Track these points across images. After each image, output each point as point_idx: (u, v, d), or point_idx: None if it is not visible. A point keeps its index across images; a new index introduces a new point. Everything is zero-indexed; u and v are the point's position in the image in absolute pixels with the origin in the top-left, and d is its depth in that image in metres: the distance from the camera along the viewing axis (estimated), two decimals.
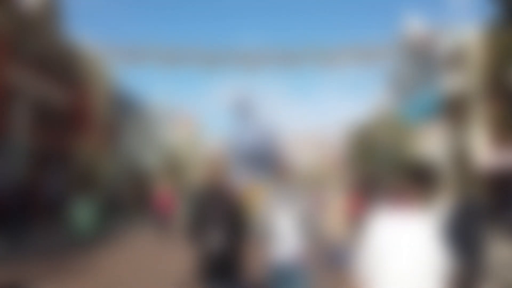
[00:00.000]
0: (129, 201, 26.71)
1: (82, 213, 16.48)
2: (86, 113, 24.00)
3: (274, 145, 25.92)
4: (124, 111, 29.29)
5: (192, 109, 59.07)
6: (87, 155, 23.66)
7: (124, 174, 28.11)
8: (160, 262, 9.70)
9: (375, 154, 28.03)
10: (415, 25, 26.00)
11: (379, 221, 2.94)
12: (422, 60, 26.19)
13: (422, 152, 24.71)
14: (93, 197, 17.83)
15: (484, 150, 20.29)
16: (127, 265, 9.24)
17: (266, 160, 23.41)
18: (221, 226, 4.17)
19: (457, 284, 4.09)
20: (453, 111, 22.62)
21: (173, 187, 17.73)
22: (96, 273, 8.22)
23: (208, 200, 4.28)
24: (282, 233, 4.43)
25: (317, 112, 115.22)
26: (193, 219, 4.31)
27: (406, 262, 2.86)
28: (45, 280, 7.58)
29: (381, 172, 27.41)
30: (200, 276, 4.22)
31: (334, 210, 9.81)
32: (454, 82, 22.75)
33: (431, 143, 24.14)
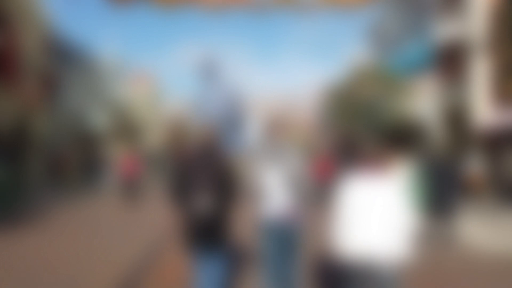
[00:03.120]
0: (73, 164, 23.82)
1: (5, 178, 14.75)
2: (14, 58, 20.10)
3: (241, 108, 24.02)
4: (66, 61, 25.59)
5: (152, 68, 55.20)
6: (17, 109, 20.21)
7: (66, 134, 24.80)
8: (126, 227, 9.48)
9: (355, 114, 25.34)
10: None
11: (349, 184, 3.27)
12: (410, 5, 23.12)
13: (410, 110, 22.22)
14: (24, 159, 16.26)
15: (483, 108, 18.02)
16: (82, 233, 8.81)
17: (233, 123, 22.03)
18: (209, 190, 4.07)
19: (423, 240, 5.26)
20: (448, 63, 20.00)
21: (130, 150, 17.16)
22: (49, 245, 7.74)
23: (195, 163, 4.16)
24: (272, 190, 4.33)
25: (288, 71, 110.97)
26: (177, 182, 4.19)
27: (375, 221, 3.18)
28: None
29: (362, 133, 24.89)
30: (186, 240, 4.13)
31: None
32: (449, 29, 19.95)
33: (422, 100, 21.58)
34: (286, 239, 4.31)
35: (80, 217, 11.33)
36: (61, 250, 7.31)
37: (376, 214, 3.22)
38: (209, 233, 4.05)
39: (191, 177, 4.11)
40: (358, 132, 24.82)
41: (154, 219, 10.71)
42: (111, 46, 36.15)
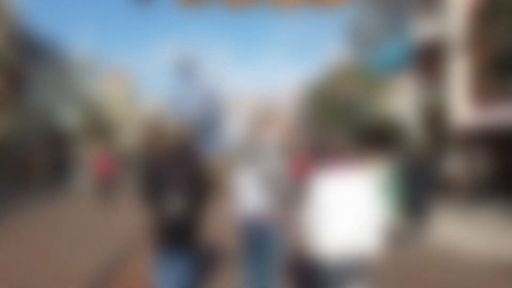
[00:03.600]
0: (40, 164, 22.94)
1: None
2: None
3: (219, 107, 24.04)
4: (35, 56, 24.46)
5: (128, 65, 54.02)
6: None
7: (34, 133, 23.74)
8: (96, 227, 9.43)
9: (333, 113, 25.15)
10: None
11: (323, 181, 3.33)
12: (388, 4, 23.05)
13: (388, 109, 22.15)
14: None
15: (461, 107, 18.03)
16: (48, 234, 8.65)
17: (210, 123, 21.91)
18: (180, 190, 4.02)
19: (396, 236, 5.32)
20: (426, 62, 19.98)
21: (105, 149, 17.01)
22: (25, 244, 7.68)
23: (168, 163, 4.09)
24: (249, 189, 4.25)
25: (267, 70, 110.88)
26: (149, 182, 4.11)
27: (347, 218, 3.26)
28: None
29: (340, 132, 24.74)
30: (154, 240, 4.10)
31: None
32: (427, 28, 19.92)
33: (400, 99, 21.51)
34: (263, 239, 4.27)
35: (49, 218, 11.05)
36: (27, 253, 7.09)
37: (349, 211, 3.29)
38: (178, 234, 4.02)
39: (163, 177, 4.06)
40: (337, 131, 24.69)
41: (128, 220, 10.61)
42: (84, 42, 35.10)
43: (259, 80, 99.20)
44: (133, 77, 47.09)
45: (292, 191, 4.38)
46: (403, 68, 21.29)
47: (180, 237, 4.02)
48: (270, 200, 4.22)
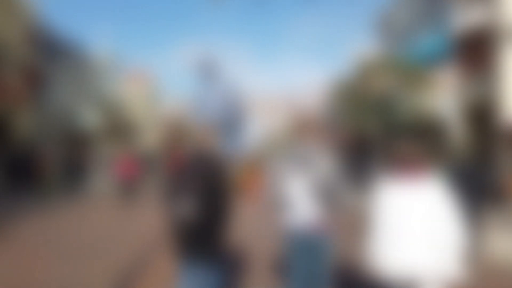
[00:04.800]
0: (59, 165, 22.78)
1: None
2: None
3: (241, 109, 23.54)
4: (53, 55, 24.03)
5: (149, 65, 53.59)
6: None
7: (52, 133, 23.51)
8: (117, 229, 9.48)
9: (366, 110, 23.47)
10: None
11: (385, 190, 2.94)
12: None
13: (427, 106, 20.37)
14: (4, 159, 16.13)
15: (510, 103, 16.21)
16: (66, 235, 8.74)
17: (232, 124, 21.27)
18: (197, 194, 3.84)
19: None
20: (471, 53, 18.15)
21: (125, 150, 16.97)
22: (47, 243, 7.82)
23: (189, 165, 3.97)
24: (298, 198, 4.07)
25: (291, 68, 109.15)
26: (169, 185, 4.06)
27: (416, 231, 2.78)
28: None
29: (374, 131, 23.05)
30: (174, 245, 4.04)
31: None
32: (472, 14, 18.03)
33: (440, 95, 19.79)
34: (313, 250, 4.12)
35: (69, 220, 11.12)
36: (49, 255, 7.10)
37: (416, 224, 2.88)
38: (196, 239, 3.90)
39: (181, 180, 3.95)
40: (371, 130, 23.00)
41: (149, 222, 10.70)
42: (105, 41, 34.68)
43: (284, 79, 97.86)
44: (154, 77, 46.49)
45: (342, 197, 4.05)
46: (444, 60, 19.50)
47: (198, 242, 3.89)
48: (321, 207, 4.04)
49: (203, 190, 3.86)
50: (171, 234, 4.03)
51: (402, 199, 2.88)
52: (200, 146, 4.11)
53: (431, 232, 2.83)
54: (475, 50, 17.83)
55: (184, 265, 4.00)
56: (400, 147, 2.97)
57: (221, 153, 4.50)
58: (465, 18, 18.20)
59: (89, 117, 28.01)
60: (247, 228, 9.79)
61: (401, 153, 2.96)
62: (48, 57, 23.28)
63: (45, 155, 21.45)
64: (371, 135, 21.70)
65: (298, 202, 4.09)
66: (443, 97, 19.49)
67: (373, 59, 25.25)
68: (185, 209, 3.88)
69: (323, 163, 4.11)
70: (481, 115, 17.62)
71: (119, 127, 32.87)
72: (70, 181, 22.74)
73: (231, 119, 21.83)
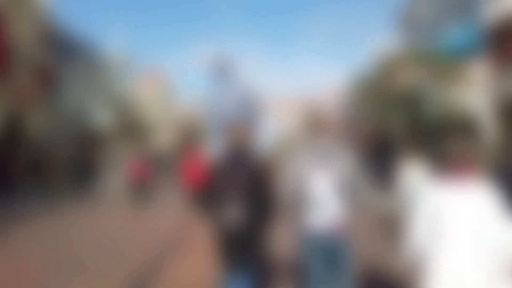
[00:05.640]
0: (71, 165, 22.67)
1: None
2: (5, 49, 18.24)
3: (257, 110, 22.57)
4: (66, 54, 23.80)
5: (164, 66, 53.39)
6: (8, 105, 18.52)
7: (66, 133, 23.28)
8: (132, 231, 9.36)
9: (390, 107, 22.37)
10: None
11: (432, 188, 2.75)
12: None
13: (457, 100, 19.21)
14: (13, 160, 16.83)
15: None
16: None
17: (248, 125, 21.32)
18: (241, 199, 3.76)
19: None
20: (504, 45, 16.98)
21: (139, 151, 16.89)
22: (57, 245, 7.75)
23: (226, 168, 3.84)
24: (320, 197, 3.80)
25: (309, 66, 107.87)
26: (210, 191, 3.98)
27: (465, 237, 2.59)
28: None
29: (398, 128, 21.95)
30: (218, 251, 4.00)
31: None
32: (505, 4, 16.83)
33: (471, 89, 18.65)
34: (334, 254, 3.87)
35: (81, 221, 11.09)
36: (63, 253, 7.14)
37: (465, 229, 2.57)
38: (240, 246, 3.79)
39: (222, 185, 3.80)
40: (395, 127, 21.88)
41: (162, 223, 10.65)
42: (118, 41, 34.35)
43: (300, 77, 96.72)
44: (168, 77, 46.04)
45: (365, 197, 3.71)
46: (475, 53, 18.33)
47: (240, 250, 3.81)
48: (344, 208, 3.80)
49: (250, 196, 3.74)
50: (215, 241, 3.93)
51: (450, 202, 2.64)
52: (236, 147, 3.90)
53: (483, 239, 2.55)
54: (508, 42, 16.67)
55: (226, 271, 3.90)
56: (449, 146, 2.76)
57: (257, 153, 4.27)
58: (497, 8, 17.00)
59: (102, 117, 27.82)
60: (285, 233, 9.49)
61: (449, 153, 2.75)
62: (61, 56, 23.08)
63: (56, 155, 21.30)
64: (395, 133, 20.57)
65: (320, 201, 3.84)
66: (474, 93, 18.33)
67: (396, 53, 24.08)
68: (233, 216, 3.77)
69: (345, 160, 3.85)
70: None
71: (132, 128, 32.58)
72: (82, 181, 22.60)
73: (246, 120, 21.08)
